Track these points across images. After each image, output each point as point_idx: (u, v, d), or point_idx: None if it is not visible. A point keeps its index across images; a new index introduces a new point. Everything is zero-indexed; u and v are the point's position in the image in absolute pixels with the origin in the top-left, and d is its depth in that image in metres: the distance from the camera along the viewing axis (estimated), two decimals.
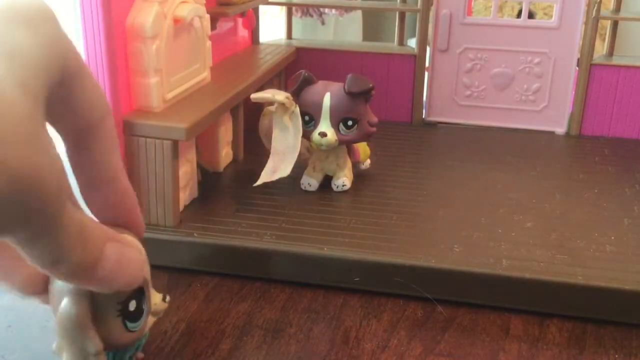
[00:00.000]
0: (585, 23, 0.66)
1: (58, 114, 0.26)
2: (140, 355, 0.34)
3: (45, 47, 0.24)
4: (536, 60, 0.68)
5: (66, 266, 0.24)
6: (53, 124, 0.27)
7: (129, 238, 0.29)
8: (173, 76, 0.48)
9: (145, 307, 0.31)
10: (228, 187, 0.54)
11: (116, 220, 0.30)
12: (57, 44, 0.25)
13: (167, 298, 0.33)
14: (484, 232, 0.47)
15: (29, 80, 0.22)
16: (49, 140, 0.23)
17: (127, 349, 0.32)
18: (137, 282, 0.28)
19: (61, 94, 0.26)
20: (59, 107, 0.26)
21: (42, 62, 0.23)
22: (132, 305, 0.30)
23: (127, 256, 0.27)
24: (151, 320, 0.32)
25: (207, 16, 0.53)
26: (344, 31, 1.76)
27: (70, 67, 0.25)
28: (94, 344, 0.29)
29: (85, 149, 0.28)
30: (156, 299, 0.33)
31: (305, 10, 1.59)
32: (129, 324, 0.30)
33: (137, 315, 0.30)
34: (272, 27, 0.91)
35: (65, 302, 0.28)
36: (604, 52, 0.70)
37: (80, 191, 0.30)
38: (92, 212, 0.30)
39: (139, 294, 0.31)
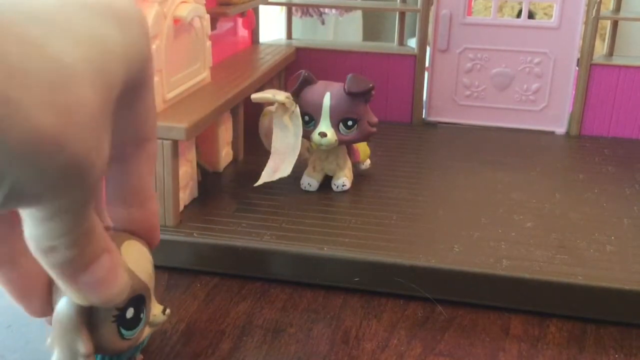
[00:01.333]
0: (585, 23, 0.66)
1: (117, 119, 0.26)
2: (140, 357, 0.34)
3: (130, 47, 0.25)
4: (536, 60, 0.68)
5: (59, 257, 0.24)
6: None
7: (124, 260, 0.29)
8: (173, 76, 0.48)
9: (143, 316, 0.31)
10: (228, 187, 0.54)
11: (135, 233, 0.31)
12: (141, 48, 0.26)
13: (167, 311, 0.33)
14: (484, 232, 0.47)
15: (107, 70, 0.23)
16: (109, 131, 0.24)
17: (121, 355, 0.32)
18: (114, 303, 0.28)
19: (127, 100, 0.26)
20: (120, 112, 0.26)
21: (123, 59, 0.24)
22: (130, 313, 0.30)
23: (116, 273, 0.27)
24: (147, 330, 0.32)
25: (207, 16, 0.53)
26: (344, 31, 1.76)
27: (144, 74, 0.26)
28: (85, 345, 0.28)
29: (127, 165, 0.29)
30: (156, 310, 0.32)
31: (305, 10, 1.59)
32: (124, 332, 0.30)
33: (133, 323, 0.30)
34: (272, 26, 0.91)
35: (63, 301, 0.28)
36: (604, 52, 0.70)
37: (107, 204, 0.30)
38: (113, 223, 0.31)
39: (139, 302, 0.30)
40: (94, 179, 0.23)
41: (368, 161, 0.57)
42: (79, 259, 0.25)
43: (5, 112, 0.19)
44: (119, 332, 0.30)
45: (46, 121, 0.20)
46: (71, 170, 0.22)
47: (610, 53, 0.70)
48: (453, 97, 0.71)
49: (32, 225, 0.23)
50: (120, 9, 0.25)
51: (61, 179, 0.22)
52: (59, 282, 0.26)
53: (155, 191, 0.46)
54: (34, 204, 0.22)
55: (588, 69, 0.67)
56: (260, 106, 0.54)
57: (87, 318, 0.29)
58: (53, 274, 0.25)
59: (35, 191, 0.22)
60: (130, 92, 0.26)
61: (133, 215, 0.30)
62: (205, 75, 0.54)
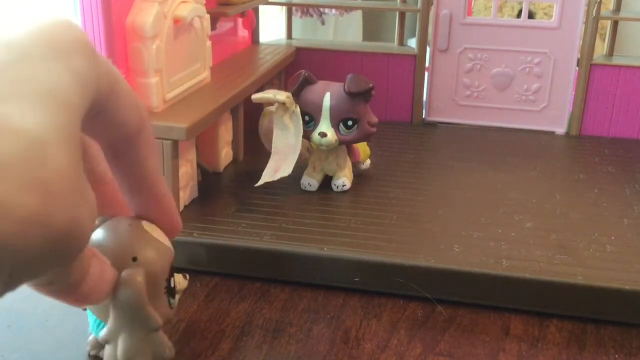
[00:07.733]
0: (585, 23, 0.66)
1: (94, 128, 0.26)
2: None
3: (83, 77, 0.23)
4: (536, 60, 0.68)
5: (58, 286, 0.25)
6: (91, 136, 0.28)
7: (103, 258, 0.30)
8: (173, 76, 0.48)
9: (174, 283, 0.33)
10: (228, 187, 0.54)
11: (153, 219, 0.32)
12: (89, 73, 0.23)
13: (187, 275, 0.35)
14: (484, 232, 0.47)
15: (66, 120, 0.21)
16: (86, 180, 0.23)
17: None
18: (107, 298, 0.29)
19: (94, 112, 0.25)
20: (94, 122, 0.26)
21: (81, 95, 0.23)
22: (172, 282, 0.32)
23: (106, 272, 0.28)
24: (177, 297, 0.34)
25: (207, 16, 0.53)
26: (344, 31, 1.76)
27: (102, 91, 0.25)
28: (155, 320, 0.30)
29: (124, 158, 0.29)
30: (178, 278, 0.34)
31: (305, 10, 1.59)
32: (171, 300, 0.32)
33: (174, 292, 0.33)
34: (272, 26, 0.91)
35: (126, 287, 0.29)
36: (604, 52, 0.70)
37: (122, 193, 0.31)
38: (133, 211, 0.31)
39: (172, 271, 0.33)
40: (86, 239, 0.23)
41: (368, 161, 0.57)
42: (75, 279, 0.26)
43: None
44: (169, 301, 0.32)
45: (27, 206, 0.19)
46: (60, 244, 0.21)
47: (610, 53, 0.70)
48: (453, 97, 0.71)
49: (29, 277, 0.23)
50: (61, 42, 0.23)
51: (53, 254, 0.21)
52: (58, 301, 0.26)
53: None
54: (33, 278, 0.23)
55: (588, 69, 0.67)
56: (260, 106, 0.54)
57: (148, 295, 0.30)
58: (51, 298, 0.26)
59: (32, 271, 0.21)
60: (98, 107, 0.25)
61: (146, 201, 0.31)
62: (205, 75, 0.54)
